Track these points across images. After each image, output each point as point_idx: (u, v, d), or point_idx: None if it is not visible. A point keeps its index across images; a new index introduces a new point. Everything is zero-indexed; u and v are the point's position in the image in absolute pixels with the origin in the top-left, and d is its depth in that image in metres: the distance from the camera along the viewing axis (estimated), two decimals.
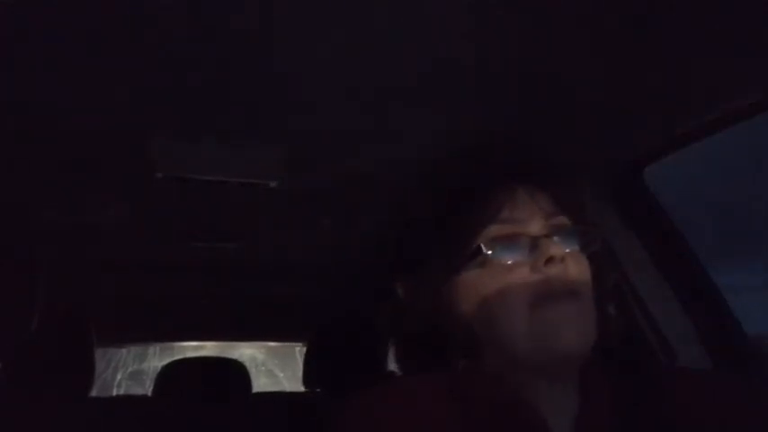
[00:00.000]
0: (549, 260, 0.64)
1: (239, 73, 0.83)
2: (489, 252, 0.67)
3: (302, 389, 2.13)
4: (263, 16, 0.70)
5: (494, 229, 0.67)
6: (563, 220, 0.69)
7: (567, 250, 0.66)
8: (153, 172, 1.10)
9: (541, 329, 0.63)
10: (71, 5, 0.68)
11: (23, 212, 1.28)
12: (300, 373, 2.14)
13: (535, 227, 0.67)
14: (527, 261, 0.65)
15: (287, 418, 1.90)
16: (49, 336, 1.49)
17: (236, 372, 2.10)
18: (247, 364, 2.23)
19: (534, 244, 0.66)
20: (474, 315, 0.68)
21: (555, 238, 0.66)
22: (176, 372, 2.07)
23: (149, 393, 2.08)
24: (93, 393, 1.85)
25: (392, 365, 2.17)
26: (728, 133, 0.93)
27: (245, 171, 1.14)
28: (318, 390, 2.05)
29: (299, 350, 2.97)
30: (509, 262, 0.66)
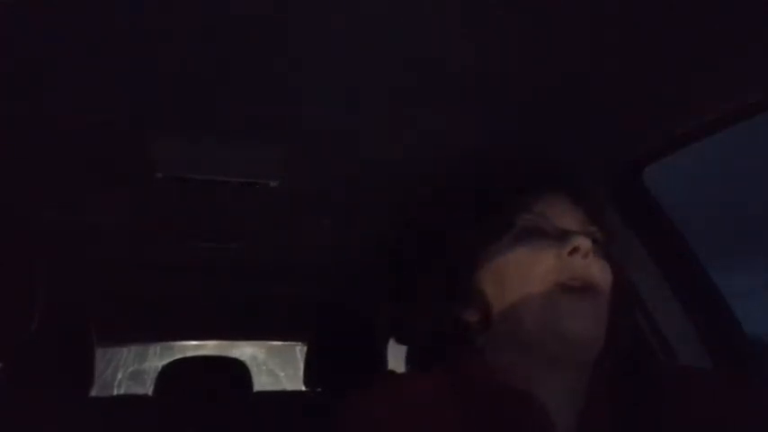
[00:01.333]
0: (575, 250, 0.66)
1: (239, 73, 0.83)
2: (519, 234, 0.69)
3: (303, 388, 2.13)
4: (263, 16, 0.70)
5: (527, 216, 0.70)
6: (594, 230, 0.71)
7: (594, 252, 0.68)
8: (153, 172, 1.10)
9: (557, 318, 0.65)
10: (71, 5, 0.68)
11: (23, 212, 1.28)
12: (301, 373, 2.14)
13: (567, 222, 0.70)
14: (553, 249, 0.67)
15: (288, 418, 1.90)
16: (49, 336, 1.49)
17: (237, 371, 2.10)
18: (248, 364, 2.23)
19: (563, 235, 0.68)
20: (493, 296, 0.70)
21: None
22: (177, 371, 2.07)
23: (150, 393, 2.08)
24: (94, 393, 1.85)
25: (392, 365, 2.17)
26: (728, 133, 0.93)
27: (245, 171, 1.14)
28: (319, 389, 2.05)
29: (299, 349, 2.97)
30: (535, 246, 0.68)
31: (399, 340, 1.60)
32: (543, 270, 0.66)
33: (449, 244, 0.75)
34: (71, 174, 1.17)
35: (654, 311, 1.07)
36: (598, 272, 0.67)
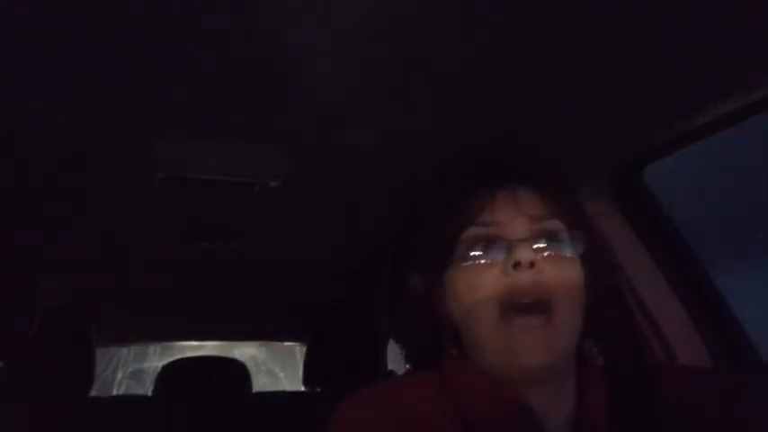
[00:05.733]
0: (517, 264, 0.63)
1: (240, 73, 0.83)
2: (464, 254, 0.67)
3: (302, 388, 2.13)
4: (263, 17, 0.70)
5: (472, 232, 0.67)
6: (552, 223, 0.68)
7: (550, 253, 0.66)
8: (153, 172, 1.10)
9: (506, 343, 0.63)
10: (71, 6, 0.68)
11: (24, 212, 1.28)
12: (301, 373, 2.14)
13: (515, 230, 0.67)
14: (498, 266, 0.65)
15: (287, 418, 1.90)
16: (49, 336, 1.49)
17: (237, 371, 2.10)
18: (248, 364, 2.23)
19: (509, 247, 0.65)
20: (455, 316, 0.69)
21: (539, 243, 0.66)
22: (177, 371, 2.07)
23: (150, 393, 2.08)
24: (94, 393, 1.85)
25: (392, 365, 2.17)
26: (728, 133, 0.93)
27: (245, 171, 1.14)
28: (319, 389, 2.05)
29: (299, 349, 2.97)
30: (482, 263, 0.66)
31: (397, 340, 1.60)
32: (489, 292, 0.64)
33: (416, 275, 0.74)
34: (71, 174, 1.17)
35: (654, 311, 1.07)
36: (553, 278, 0.64)
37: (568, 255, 0.67)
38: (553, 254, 0.66)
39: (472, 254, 0.66)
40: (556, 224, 0.68)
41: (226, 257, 1.80)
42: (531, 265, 0.63)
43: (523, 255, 0.63)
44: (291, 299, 2.22)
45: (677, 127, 0.96)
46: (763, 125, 0.91)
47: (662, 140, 1.01)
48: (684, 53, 0.78)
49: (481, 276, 0.65)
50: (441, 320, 0.71)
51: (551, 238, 0.67)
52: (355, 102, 0.91)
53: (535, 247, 0.66)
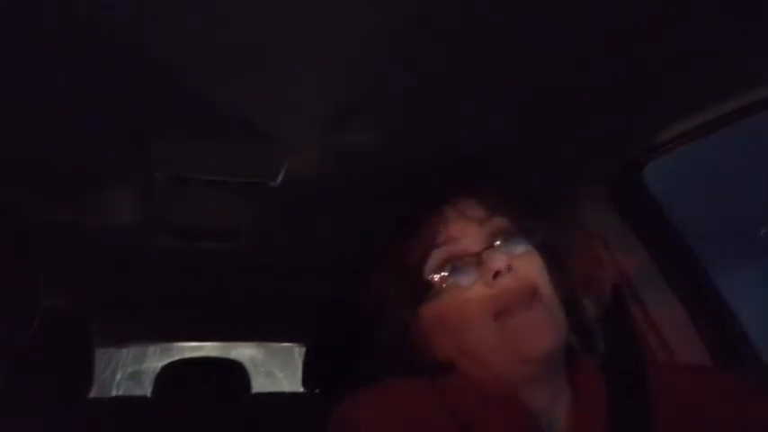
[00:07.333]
0: (497, 274, 0.65)
1: (239, 73, 0.83)
2: (436, 281, 0.68)
3: (301, 389, 2.13)
4: (262, 18, 0.70)
5: (435, 255, 0.68)
6: (500, 221, 0.69)
7: (508, 250, 0.67)
8: (153, 172, 1.10)
9: (510, 339, 0.64)
10: (71, 6, 0.68)
11: (23, 212, 1.28)
12: (300, 374, 2.14)
13: (473, 241, 0.68)
14: (477, 278, 0.66)
15: (286, 419, 1.90)
16: (49, 336, 1.49)
17: (236, 372, 2.10)
18: (247, 365, 2.22)
19: (478, 260, 0.66)
20: (444, 342, 0.69)
21: (497, 244, 0.67)
22: (176, 372, 2.07)
23: (149, 394, 2.07)
24: (93, 394, 1.84)
25: None
26: (728, 133, 0.93)
27: (245, 171, 1.14)
28: (318, 390, 2.05)
29: (298, 350, 2.97)
30: (461, 285, 0.67)
31: None
32: (479, 303, 0.65)
33: (388, 313, 0.75)
34: (71, 174, 1.17)
35: (654, 311, 1.07)
36: (528, 273, 0.66)
37: (523, 249, 0.68)
38: (509, 249, 0.67)
39: (443, 277, 0.68)
40: (503, 221, 0.69)
41: (226, 257, 1.80)
42: (509, 268, 0.65)
43: (498, 262, 0.65)
44: (291, 299, 2.22)
45: (677, 127, 0.96)
46: (763, 125, 0.91)
47: (662, 140, 1.01)
48: (684, 53, 0.78)
49: (463, 296, 0.66)
50: (424, 351, 0.71)
51: (504, 237, 0.68)
52: (355, 102, 0.91)
53: (495, 245, 0.67)
